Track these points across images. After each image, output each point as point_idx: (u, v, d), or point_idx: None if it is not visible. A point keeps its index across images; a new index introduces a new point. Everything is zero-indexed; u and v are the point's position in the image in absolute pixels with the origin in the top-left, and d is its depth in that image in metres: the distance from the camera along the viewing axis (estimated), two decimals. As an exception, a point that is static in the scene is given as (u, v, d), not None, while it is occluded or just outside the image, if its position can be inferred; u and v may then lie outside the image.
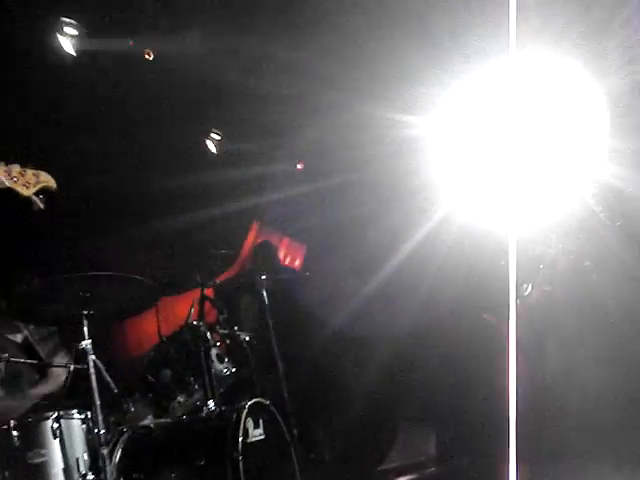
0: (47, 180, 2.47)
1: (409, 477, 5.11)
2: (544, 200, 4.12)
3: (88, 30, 5.07)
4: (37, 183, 2.41)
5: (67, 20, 4.96)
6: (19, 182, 2.32)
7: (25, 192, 2.37)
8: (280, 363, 5.33)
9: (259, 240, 7.72)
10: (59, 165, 5.55)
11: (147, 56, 5.44)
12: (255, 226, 8.06)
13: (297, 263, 7.80)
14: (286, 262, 7.52)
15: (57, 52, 5.06)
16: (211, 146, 6.84)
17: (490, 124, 4.38)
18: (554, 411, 4.35)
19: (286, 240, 7.69)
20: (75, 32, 5.06)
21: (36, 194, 2.42)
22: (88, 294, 3.91)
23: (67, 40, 5.07)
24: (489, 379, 4.22)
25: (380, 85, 5.10)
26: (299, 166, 7.48)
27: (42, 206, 2.47)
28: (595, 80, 4.11)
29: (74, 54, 5.13)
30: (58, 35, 5.03)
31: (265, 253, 6.61)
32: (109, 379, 4.20)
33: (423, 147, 4.86)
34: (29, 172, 2.36)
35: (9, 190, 2.26)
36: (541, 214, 4.13)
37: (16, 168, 2.32)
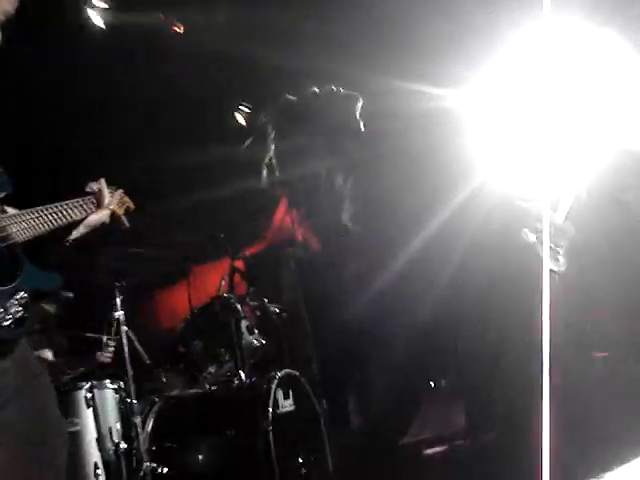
0: (129, 202, 2.64)
1: (439, 449, 5.11)
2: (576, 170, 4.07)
3: (117, 3, 5.07)
4: (123, 204, 2.55)
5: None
6: (113, 202, 2.49)
7: (119, 211, 2.53)
8: (310, 335, 5.34)
9: (289, 213, 7.70)
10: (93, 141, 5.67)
11: (177, 29, 5.43)
12: (284, 199, 8.04)
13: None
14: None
15: (86, 25, 5.07)
16: (240, 119, 6.82)
17: (524, 96, 4.31)
18: (587, 387, 4.32)
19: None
20: (104, 5, 5.06)
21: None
22: (121, 266, 3.95)
23: (96, 13, 5.07)
24: (522, 353, 4.20)
25: (410, 58, 5.04)
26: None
27: (127, 225, 2.61)
28: (632, 49, 4.03)
29: (103, 27, 5.13)
30: (87, 8, 5.03)
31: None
32: (141, 350, 4.26)
33: (455, 120, 4.81)
34: (118, 192, 2.54)
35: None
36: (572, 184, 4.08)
37: (112, 189, 2.49)
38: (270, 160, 5.79)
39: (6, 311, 1.78)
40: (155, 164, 5.85)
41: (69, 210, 2.25)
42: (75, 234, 2.33)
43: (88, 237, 2.39)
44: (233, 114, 6.80)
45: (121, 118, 5.79)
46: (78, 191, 2.41)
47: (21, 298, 1.84)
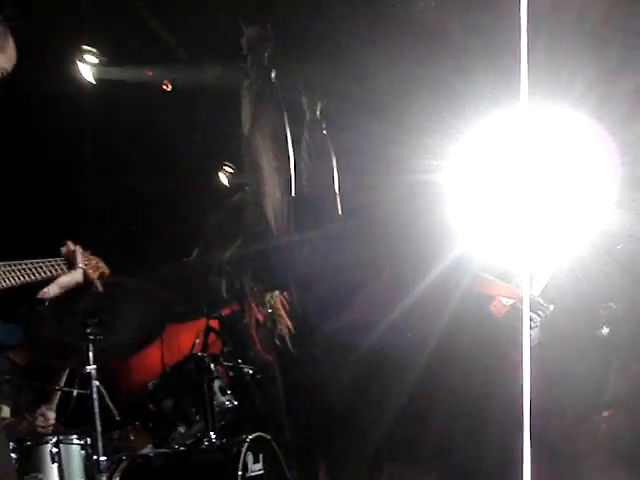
0: (104, 267, 2.65)
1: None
2: (555, 244, 4.17)
3: (108, 58, 5.15)
4: (98, 269, 2.57)
5: (87, 48, 5.04)
6: (88, 267, 2.50)
7: (92, 275, 2.53)
8: (283, 399, 5.29)
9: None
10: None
11: (165, 87, 5.51)
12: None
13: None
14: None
15: (77, 80, 5.13)
16: (224, 180, 6.89)
17: (502, 171, 4.44)
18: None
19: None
20: (95, 60, 5.13)
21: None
22: (95, 319, 3.92)
23: (87, 68, 5.15)
24: (500, 428, 4.21)
25: (394, 130, 5.16)
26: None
27: (100, 289, 2.62)
28: (605, 130, 4.18)
29: (93, 82, 5.20)
30: (78, 62, 5.11)
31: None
32: (112, 405, 4.20)
33: (436, 190, 4.90)
34: (93, 259, 2.57)
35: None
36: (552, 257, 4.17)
37: (86, 254, 2.52)
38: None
39: None
40: (135, 227, 5.87)
41: (38, 268, 2.26)
42: (51, 293, 2.33)
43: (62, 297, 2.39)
44: (218, 176, 6.86)
45: (103, 177, 5.82)
46: (52, 252, 2.42)
47: None
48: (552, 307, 4.12)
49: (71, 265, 2.38)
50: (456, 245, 4.47)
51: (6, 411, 4.43)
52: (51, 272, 2.31)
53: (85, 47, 5.07)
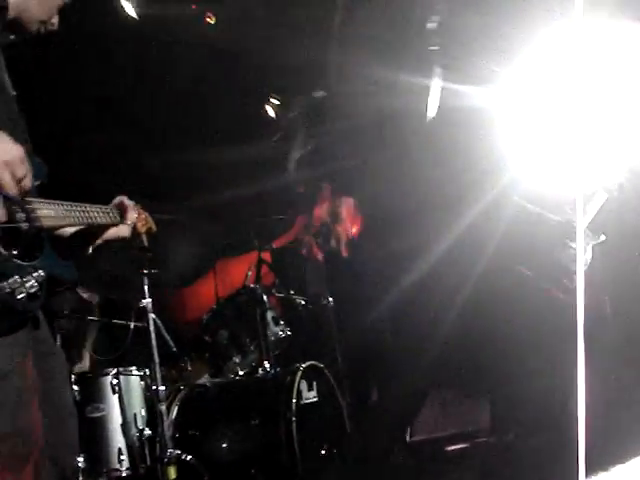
0: (152, 223, 2.69)
1: (460, 446, 5.09)
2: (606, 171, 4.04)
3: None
4: (146, 223, 2.62)
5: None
6: (138, 219, 2.55)
7: (141, 229, 2.58)
8: (335, 327, 5.35)
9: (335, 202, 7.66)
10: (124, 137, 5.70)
11: (209, 19, 5.45)
12: (327, 188, 7.99)
13: (354, 230, 7.77)
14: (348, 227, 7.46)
15: (120, 14, 5.10)
16: (271, 112, 6.84)
17: (554, 92, 4.28)
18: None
19: (351, 203, 7.61)
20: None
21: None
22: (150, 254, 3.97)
23: (129, 3, 5.11)
24: (551, 352, 4.17)
25: (440, 55, 5.03)
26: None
27: (146, 244, 2.69)
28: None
29: (136, 17, 5.16)
30: (121, -1, 5.07)
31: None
32: (168, 337, 4.28)
33: (485, 117, 4.78)
34: (143, 213, 2.60)
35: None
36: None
37: (137, 208, 2.55)
38: (301, 156, 5.78)
39: (22, 285, 1.83)
40: (185, 158, 5.89)
41: (96, 213, 2.29)
42: (94, 244, 2.38)
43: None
44: (263, 107, 6.81)
45: (152, 112, 5.82)
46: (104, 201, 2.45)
47: (38, 276, 1.89)
48: (603, 237, 4.00)
49: (123, 218, 2.42)
50: (506, 172, 4.39)
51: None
52: (106, 219, 2.35)
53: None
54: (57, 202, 2.09)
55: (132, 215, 2.46)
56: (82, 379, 3.95)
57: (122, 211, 2.43)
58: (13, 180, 1.82)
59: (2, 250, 1.81)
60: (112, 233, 2.40)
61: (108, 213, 2.37)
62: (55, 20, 2.26)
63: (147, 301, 3.98)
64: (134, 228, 2.51)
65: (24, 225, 1.88)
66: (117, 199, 2.47)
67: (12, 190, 1.83)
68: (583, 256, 3.89)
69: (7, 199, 1.82)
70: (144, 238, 2.64)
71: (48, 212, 2.01)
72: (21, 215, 1.87)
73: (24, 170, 1.85)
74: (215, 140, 6.07)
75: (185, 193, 5.90)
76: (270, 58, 5.75)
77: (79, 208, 2.20)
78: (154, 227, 2.69)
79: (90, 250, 2.36)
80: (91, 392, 3.93)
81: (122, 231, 2.43)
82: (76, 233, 2.28)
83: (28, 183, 1.88)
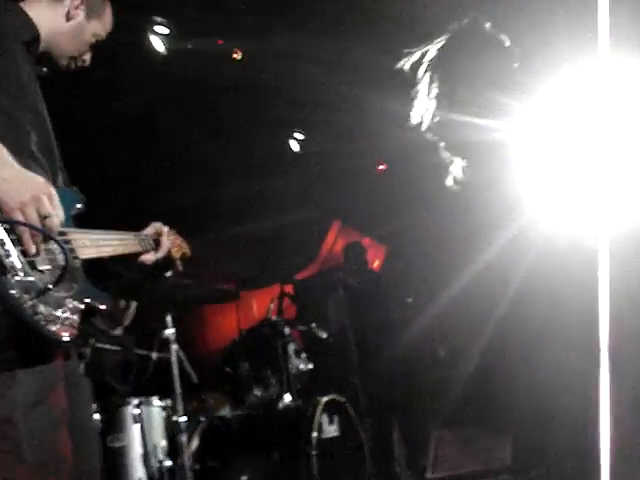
0: (187, 248, 2.71)
1: (483, 484, 5.03)
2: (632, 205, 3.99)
3: (178, 29, 5.19)
4: (181, 248, 2.65)
5: (158, 19, 5.08)
6: (173, 245, 2.57)
7: (175, 254, 2.60)
8: (357, 361, 5.34)
9: (339, 240, 7.76)
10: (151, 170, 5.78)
11: (235, 55, 5.54)
12: (335, 225, 8.10)
13: (376, 264, 7.81)
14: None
15: (149, 51, 5.20)
16: (295, 146, 6.91)
17: (575, 130, 4.27)
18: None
19: (367, 240, 7.69)
20: (166, 31, 5.18)
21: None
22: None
23: (158, 39, 5.20)
24: (575, 389, 4.12)
25: (462, 89, 5.05)
26: (380, 167, 7.48)
27: (181, 269, 2.67)
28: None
29: (165, 53, 5.25)
30: (149, 34, 5.17)
31: (356, 254, 6.57)
32: (190, 368, 4.30)
33: (505, 153, 4.79)
34: (177, 238, 2.64)
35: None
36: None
37: (172, 233, 2.59)
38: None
39: (58, 317, 1.84)
40: (208, 194, 5.95)
41: (130, 240, 2.31)
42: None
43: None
44: (287, 142, 6.88)
45: (178, 147, 5.90)
46: (137, 228, 2.48)
47: (74, 307, 1.91)
48: None
49: (157, 245, 2.44)
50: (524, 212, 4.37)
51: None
52: (140, 247, 2.37)
53: (155, 18, 5.11)
54: (93, 231, 2.12)
55: (166, 242, 2.48)
56: (104, 408, 3.96)
57: (158, 239, 2.45)
58: (39, 217, 1.79)
59: (40, 284, 1.80)
60: (147, 260, 2.42)
61: (143, 240, 2.40)
62: (87, 57, 2.30)
63: (170, 331, 4.00)
64: (170, 254, 2.53)
65: (60, 259, 1.87)
66: (152, 225, 2.49)
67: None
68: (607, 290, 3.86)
69: (42, 234, 1.80)
70: (179, 264, 2.66)
71: (83, 243, 2.04)
72: (50, 247, 1.86)
73: (50, 208, 1.82)
74: (238, 176, 6.14)
75: (208, 226, 5.96)
76: (295, 92, 5.83)
77: (115, 236, 2.23)
78: (188, 252, 2.70)
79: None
80: (112, 422, 3.94)
81: (158, 257, 2.45)
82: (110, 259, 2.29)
83: (55, 222, 1.84)
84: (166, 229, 2.51)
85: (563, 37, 4.23)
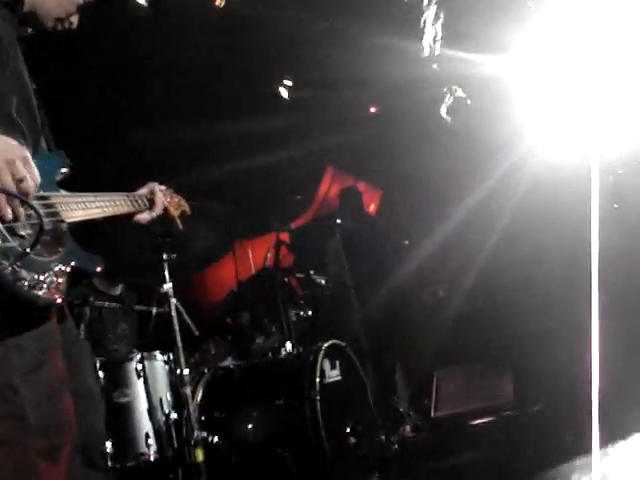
0: (186, 206, 2.66)
1: (484, 420, 5.10)
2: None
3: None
4: (179, 207, 2.60)
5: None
6: (170, 204, 2.53)
7: (174, 213, 2.56)
8: (356, 305, 5.35)
9: (334, 185, 7.72)
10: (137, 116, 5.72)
11: (218, 2, 5.43)
12: (329, 171, 8.05)
13: (372, 208, 7.78)
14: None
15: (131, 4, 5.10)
16: (283, 92, 6.82)
17: (570, 58, 4.19)
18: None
19: (362, 184, 7.65)
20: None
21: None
22: (168, 239, 3.98)
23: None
24: (572, 326, 4.15)
25: (455, 24, 4.96)
26: (372, 109, 7.39)
27: (181, 228, 2.63)
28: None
29: (146, 4, 5.15)
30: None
31: (352, 198, 6.51)
32: (190, 322, 4.31)
33: (501, 86, 4.73)
34: (175, 197, 2.59)
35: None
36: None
37: (169, 192, 2.54)
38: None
39: (42, 281, 1.83)
40: (199, 136, 5.89)
41: (121, 201, 2.27)
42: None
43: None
44: (277, 87, 6.78)
45: (171, 90, 5.83)
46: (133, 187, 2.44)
47: (59, 270, 1.89)
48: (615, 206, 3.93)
49: (151, 205, 2.40)
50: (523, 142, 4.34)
51: None
52: (132, 207, 2.33)
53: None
54: (79, 194, 2.08)
55: (162, 200, 2.45)
56: (107, 365, 3.98)
57: (151, 198, 2.41)
58: (14, 180, 1.75)
59: (18, 248, 1.78)
60: (142, 219, 2.39)
61: (136, 200, 2.36)
62: (74, 19, 2.23)
63: (168, 286, 3.99)
64: (167, 212, 2.50)
65: (35, 221, 1.81)
66: (147, 186, 2.45)
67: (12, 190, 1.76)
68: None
69: (17, 198, 1.76)
70: (178, 222, 2.62)
71: (67, 207, 2.01)
72: (31, 213, 1.81)
73: (25, 172, 1.77)
74: (231, 118, 6.06)
75: (197, 175, 5.91)
76: (284, 36, 5.73)
77: (103, 198, 2.19)
78: (188, 210, 2.66)
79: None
80: (116, 378, 3.95)
81: (154, 216, 2.41)
82: (102, 221, 2.26)
83: (30, 185, 1.79)
84: (161, 187, 2.47)
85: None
